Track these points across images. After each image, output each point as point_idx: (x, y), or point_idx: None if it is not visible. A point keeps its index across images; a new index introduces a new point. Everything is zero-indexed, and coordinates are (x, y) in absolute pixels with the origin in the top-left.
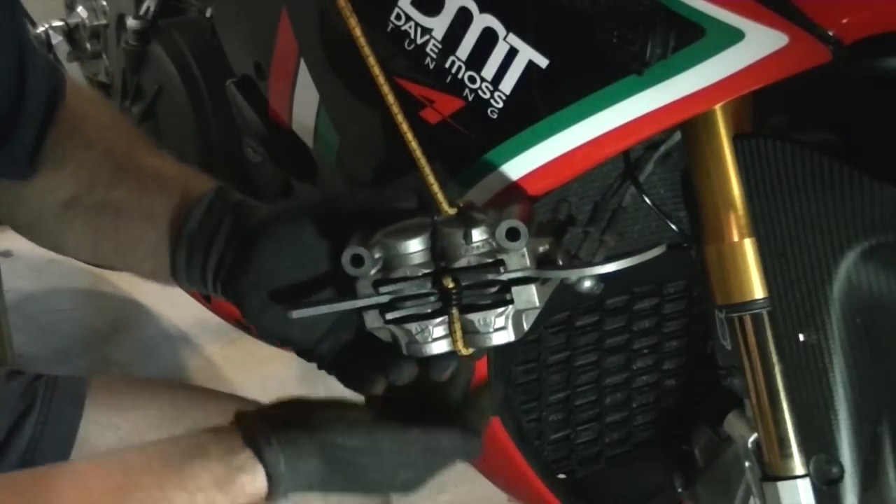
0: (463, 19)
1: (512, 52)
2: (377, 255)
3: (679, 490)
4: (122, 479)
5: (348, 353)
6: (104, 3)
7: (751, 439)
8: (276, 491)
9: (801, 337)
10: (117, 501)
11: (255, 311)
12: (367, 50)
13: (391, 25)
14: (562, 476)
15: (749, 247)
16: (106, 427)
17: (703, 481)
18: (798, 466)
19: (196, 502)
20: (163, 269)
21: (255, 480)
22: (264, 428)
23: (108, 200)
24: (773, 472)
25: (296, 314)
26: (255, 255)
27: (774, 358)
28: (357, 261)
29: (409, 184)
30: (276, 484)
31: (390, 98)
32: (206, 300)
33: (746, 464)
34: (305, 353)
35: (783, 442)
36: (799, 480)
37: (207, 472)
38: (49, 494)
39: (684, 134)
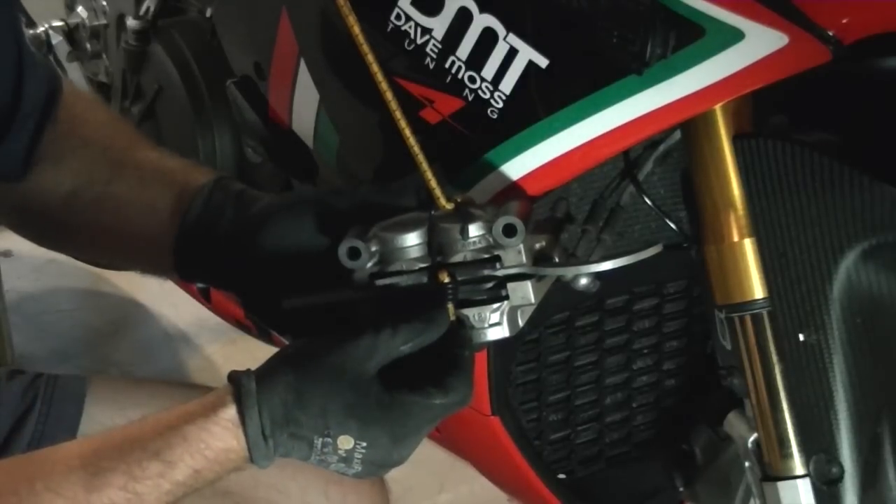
0: (463, 19)
1: (512, 52)
2: (374, 249)
3: (680, 489)
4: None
5: None
6: (104, 3)
7: (751, 439)
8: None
9: (801, 337)
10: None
11: (254, 302)
12: (365, 48)
13: (391, 25)
14: (562, 476)
15: (749, 247)
16: (106, 426)
17: (704, 481)
18: (798, 466)
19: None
20: (165, 262)
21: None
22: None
23: (109, 195)
24: (773, 472)
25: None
26: (255, 247)
27: (774, 358)
28: (354, 253)
29: (413, 180)
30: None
31: (388, 95)
32: (205, 299)
33: (746, 464)
34: None
35: (783, 442)
36: (799, 480)
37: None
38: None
39: (684, 134)
